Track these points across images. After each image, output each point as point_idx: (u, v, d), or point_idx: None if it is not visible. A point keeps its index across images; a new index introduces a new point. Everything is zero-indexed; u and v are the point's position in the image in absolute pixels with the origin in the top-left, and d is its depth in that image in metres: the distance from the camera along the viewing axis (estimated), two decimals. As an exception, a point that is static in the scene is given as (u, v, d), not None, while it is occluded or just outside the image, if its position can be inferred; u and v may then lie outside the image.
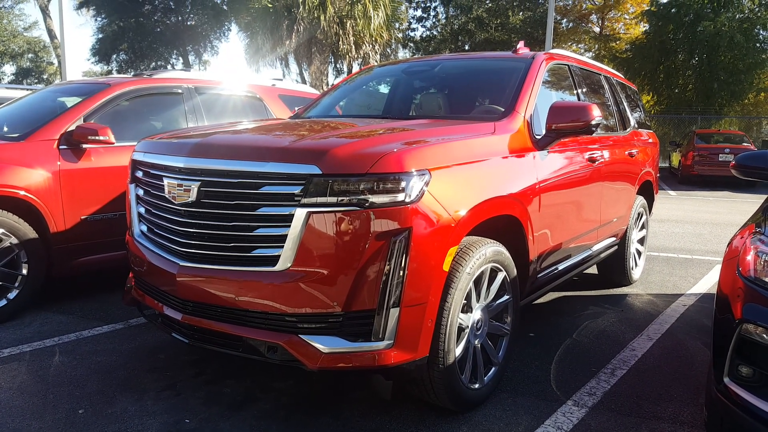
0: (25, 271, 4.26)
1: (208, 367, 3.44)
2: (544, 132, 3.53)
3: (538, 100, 3.66)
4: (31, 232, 4.25)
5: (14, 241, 4.17)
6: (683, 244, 7.75)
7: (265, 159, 2.54)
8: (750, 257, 2.35)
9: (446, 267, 2.58)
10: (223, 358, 3.52)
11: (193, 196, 2.67)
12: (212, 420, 2.83)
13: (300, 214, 2.41)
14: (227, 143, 2.85)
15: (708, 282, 5.70)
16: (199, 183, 2.66)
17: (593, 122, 3.38)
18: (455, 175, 2.71)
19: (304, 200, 2.41)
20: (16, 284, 4.25)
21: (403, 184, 2.42)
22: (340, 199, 2.39)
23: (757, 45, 24.03)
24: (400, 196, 2.41)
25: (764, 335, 2.14)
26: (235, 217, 2.58)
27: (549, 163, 3.52)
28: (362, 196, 2.38)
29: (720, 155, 17.08)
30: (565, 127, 3.45)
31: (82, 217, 4.50)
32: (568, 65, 4.38)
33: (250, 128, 3.40)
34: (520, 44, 4.35)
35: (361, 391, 3.16)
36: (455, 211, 2.61)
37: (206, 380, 3.27)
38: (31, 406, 2.95)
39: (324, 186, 2.40)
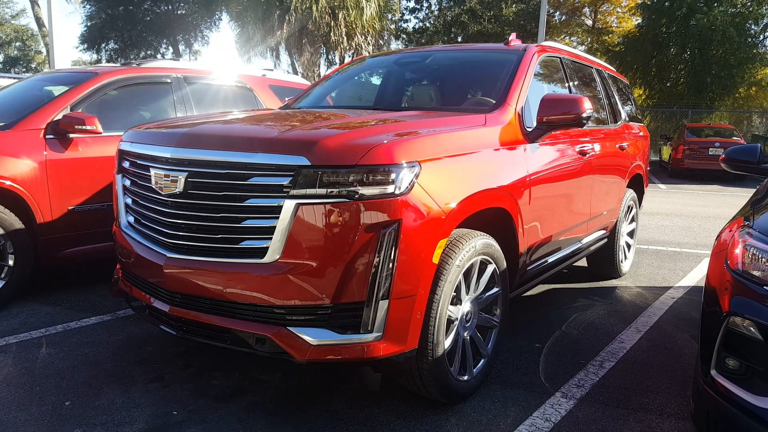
0: (11, 262, 4.22)
1: (196, 359, 3.42)
2: (535, 124, 3.52)
3: (530, 93, 3.65)
4: (17, 223, 4.20)
5: (0, 231, 4.12)
6: (673, 237, 7.79)
7: (254, 150, 2.51)
8: (738, 250, 2.36)
9: (436, 259, 2.57)
10: (212, 351, 3.50)
11: (180, 186, 2.65)
12: (200, 412, 2.81)
13: (289, 205, 2.39)
14: (215, 133, 2.82)
15: (697, 275, 5.73)
16: (187, 174, 2.64)
17: (584, 115, 3.37)
18: (445, 167, 2.70)
19: (293, 192, 2.39)
20: (3, 275, 4.21)
21: (393, 175, 2.40)
22: (329, 190, 2.37)
23: (749, 40, 24.10)
24: (390, 188, 2.39)
25: (751, 328, 2.15)
26: (222, 208, 2.55)
27: (539, 156, 3.51)
28: (352, 188, 2.36)
29: (710, 149, 17.15)
30: (556, 119, 3.44)
31: (69, 208, 4.45)
32: (559, 58, 4.37)
33: (239, 118, 3.37)
34: (512, 36, 4.33)
35: (351, 383, 3.15)
36: (445, 203, 2.60)
37: (194, 372, 3.25)
38: (17, 398, 2.93)
39: (313, 177, 2.38)
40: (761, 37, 25.22)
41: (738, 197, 12.75)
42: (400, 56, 4.84)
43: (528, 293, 4.67)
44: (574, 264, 4.78)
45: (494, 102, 3.50)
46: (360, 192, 2.36)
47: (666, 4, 24.25)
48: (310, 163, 2.38)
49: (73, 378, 3.16)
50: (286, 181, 2.41)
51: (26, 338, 3.71)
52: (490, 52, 4.42)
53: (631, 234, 5.83)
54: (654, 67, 26.29)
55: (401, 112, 3.65)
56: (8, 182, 4.12)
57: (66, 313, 4.18)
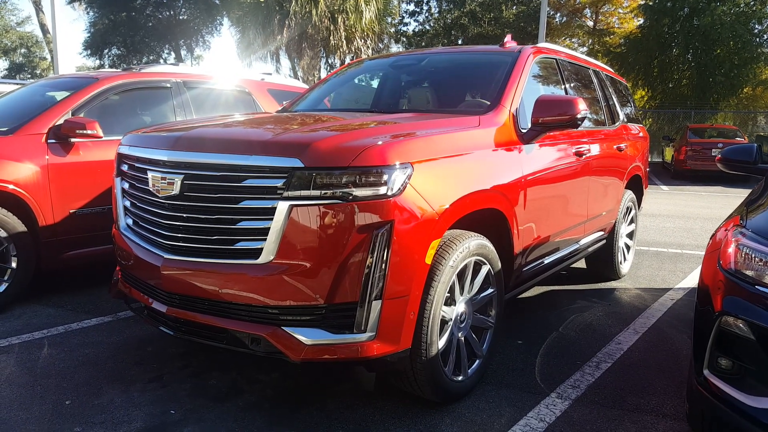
0: (14, 265, 4.27)
1: (195, 359, 3.45)
2: (529, 126, 3.53)
3: (525, 94, 3.66)
4: (20, 226, 4.25)
5: (3, 234, 4.17)
6: (673, 239, 7.79)
7: (248, 152, 2.54)
8: (731, 250, 2.36)
9: (429, 260, 2.59)
10: (210, 351, 3.53)
11: (176, 189, 2.68)
12: (197, 411, 2.84)
13: (283, 207, 2.42)
14: (210, 136, 2.86)
15: (697, 276, 5.73)
16: (183, 176, 2.67)
17: (579, 116, 3.39)
18: (438, 168, 2.72)
19: (287, 193, 2.42)
20: (6, 277, 4.25)
21: (385, 177, 2.43)
22: (322, 192, 2.40)
23: (754, 39, 24.02)
24: (383, 189, 2.42)
25: (743, 327, 2.15)
26: (218, 210, 2.59)
27: (534, 157, 3.53)
28: (345, 190, 2.39)
29: (713, 150, 17.06)
30: (550, 120, 3.45)
31: (71, 211, 4.50)
32: (555, 59, 4.39)
33: (234, 122, 3.40)
34: (508, 37, 4.35)
35: (346, 384, 3.18)
36: (438, 204, 2.62)
37: (192, 372, 3.28)
38: (18, 397, 2.96)
39: (307, 179, 2.41)
40: (765, 36, 25.15)
41: (741, 198, 12.67)
42: (396, 59, 4.87)
43: (526, 294, 4.69)
44: (573, 265, 4.79)
45: (489, 103, 3.52)
46: (353, 193, 2.39)
47: (668, 4, 24.18)
48: (303, 165, 2.41)
49: (73, 378, 3.19)
50: (280, 183, 2.44)
51: (28, 339, 3.75)
52: (485, 54, 4.44)
53: (630, 235, 5.84)
54: (656, 68, 26.23)
55: (396, 115, 3.68)
56: (11, 186, 4.17)
57: (67, 315, 4.22)
